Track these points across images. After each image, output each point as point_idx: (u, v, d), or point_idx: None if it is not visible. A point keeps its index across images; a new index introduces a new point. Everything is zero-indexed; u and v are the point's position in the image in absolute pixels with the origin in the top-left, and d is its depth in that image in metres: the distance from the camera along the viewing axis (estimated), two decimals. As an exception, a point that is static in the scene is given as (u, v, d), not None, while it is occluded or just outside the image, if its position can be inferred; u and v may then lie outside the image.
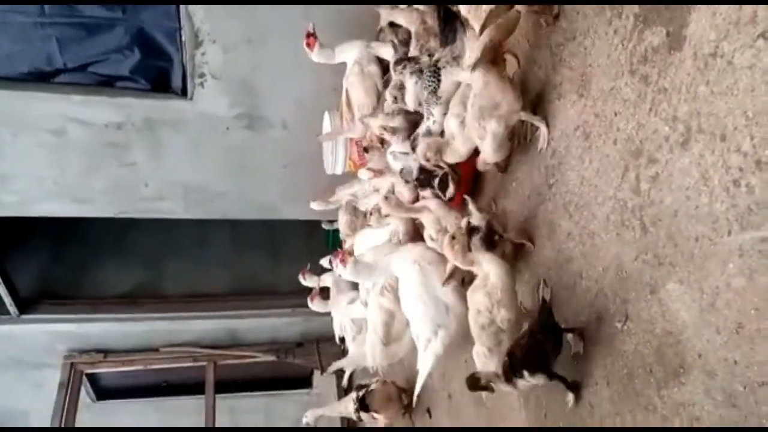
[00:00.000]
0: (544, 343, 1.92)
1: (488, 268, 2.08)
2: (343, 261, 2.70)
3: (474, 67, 2.18)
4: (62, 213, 4.92)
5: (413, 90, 2.67)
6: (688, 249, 1.61)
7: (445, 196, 2.64)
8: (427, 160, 2.60)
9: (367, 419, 4.14)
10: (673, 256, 1.66)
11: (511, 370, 1.90)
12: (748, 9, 1.42)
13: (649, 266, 1.75)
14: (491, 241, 2.39)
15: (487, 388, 1.98)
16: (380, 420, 4.08)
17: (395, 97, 2.92)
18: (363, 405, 4.04)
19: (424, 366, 2.50)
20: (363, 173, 3.46)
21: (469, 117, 2.28)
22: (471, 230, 2.37)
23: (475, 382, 2.01)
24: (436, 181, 2.64)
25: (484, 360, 2.08)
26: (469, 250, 2.20)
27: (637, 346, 1.81)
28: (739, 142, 1.45)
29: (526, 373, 1.88)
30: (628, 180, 1.85)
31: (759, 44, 1.40)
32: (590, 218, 2.04)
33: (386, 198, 2.94)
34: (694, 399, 1.59)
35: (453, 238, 2.14)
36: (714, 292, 1.53)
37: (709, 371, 1.54)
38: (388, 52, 3.25)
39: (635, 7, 1.82)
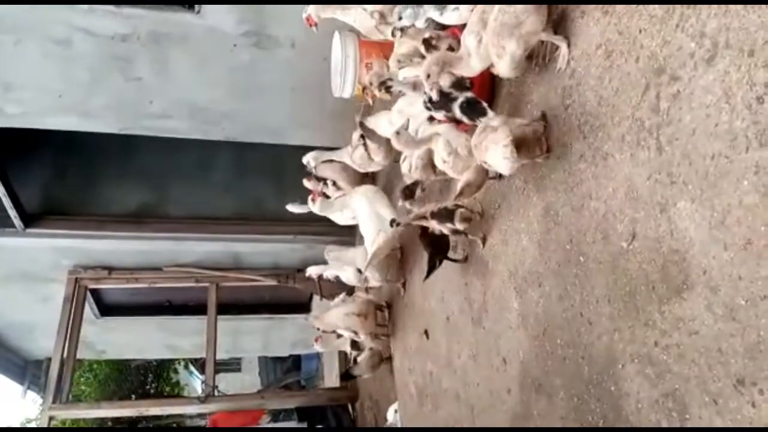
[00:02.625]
0: None
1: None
2: (313, 199, 4.25)
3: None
4: (67, 126, 4.90)
5: None
6: (703, 167, 1.61)
7: (469, 119, 2.54)
8: (428, 76, 2.53)
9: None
10: (686, 175, 1.66)
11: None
12: None
13: (661, 185, 1.76)
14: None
15: None
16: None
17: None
18: None
19: (371, 253, 3.97)
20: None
21: (489, 32, 2.22)
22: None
23: None
24: (456, 104, 2.57)
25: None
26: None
27: (641, 265, 1.84)
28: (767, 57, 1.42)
29: None
30: (648, 99, 1.82)
31: (800, -48, 1.35)
32: (605, 139, 2.02)
33: (398, 134, 2.91)
34: (695, 314, 1.63)
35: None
36: (725, 209, 1.54)
37: (713, 287, 1.57)
38: None
39: None
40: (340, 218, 4.44)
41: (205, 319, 6.54)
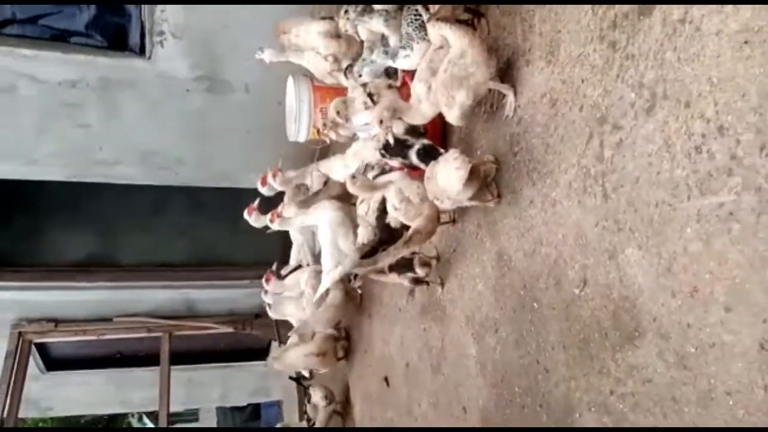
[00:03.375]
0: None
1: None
2: (272, 219, 3.85)
3: (447, 23, 2.14)
4: (12, 175, 4.71)
5: (381, 28, 2.59)
6: (648, 215, 1.63)
7: (426, 164, 2.55)
8: (380, 121, 2.54)
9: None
10: (633, 222, 1.68)
11: None
12: (717, -26, 1.42)
13: (609, 232, 1.77)
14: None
15: None
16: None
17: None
18: None
19: (324, 283, 3.56)
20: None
21: (439, 83, 2.24)
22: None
23: None
24: (413, 151, 2.58)
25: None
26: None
27: (593, 311, 1.84)
28: (703, 109, 1.46)
29: None
30: (592, 147, 1.85)
31: (727, 9, 1.40)
32: (553, 185, 2.04)
33: (353, 177, 2.90)
34: (648, 362, 1.63)
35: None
36: (671, 256, 1.55)
37: (663, 334, 1.57)
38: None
39: (607, -27, 1.81)
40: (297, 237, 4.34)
41: (158, 370, 6.26)
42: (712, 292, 1.43)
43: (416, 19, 2.48)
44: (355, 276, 3.20)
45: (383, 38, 2.74)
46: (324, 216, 3.69)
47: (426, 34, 2.41)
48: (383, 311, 3.80)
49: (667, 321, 1.56)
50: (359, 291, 4.33)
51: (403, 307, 3.30)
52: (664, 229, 1.57)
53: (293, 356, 4.46)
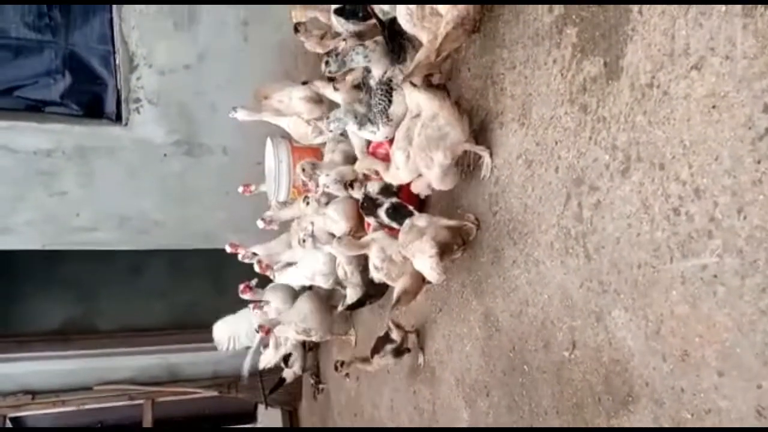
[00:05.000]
0: None
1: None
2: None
3: (417, 88, 2.17)
4: (-16, 245, 4.60)
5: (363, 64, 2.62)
6: (631, 276, 1.61)
7: (396, 223, 2.57)
8: (360, 178, 2.56)
9: None
10: (617, 284, 1.66)
11: None
12: (681, 41, 1.45)
13: (594, 294, 1.75)
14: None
15: None
16: None
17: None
18: None
19: None
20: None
21: (415, 146, 2.25)
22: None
23: None
24: (382, 210, 2.58)
25: None
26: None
27: (585, 375, 1.80)
28: (678, 171, 1.47)
29: None
30: (571, 207, 1.85)
31: (693, 75, 1.43)
32: (534, 245, 2.03)
33: (339, 239, 2.88)
34: (643, 428, 1.58)
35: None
36: (658, 319, 1.53)
37: (657, 400, 1.53)
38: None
39: (573, 37, 1.84)
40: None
41: (141, 439, 6.02)
42: (703, 356, 1.41)
43: (382, 101, 2.52)
44: (342, 363, 3.17)
45: (361, 101, 2.77)
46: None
47: (390, 121, 2.48)
48: (371, 372, 3.71)
49: (660, 386, 1.53)
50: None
51: (391, 368, 3.22)
52: (649, 291, 1.56)
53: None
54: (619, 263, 1.66)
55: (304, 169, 3.19)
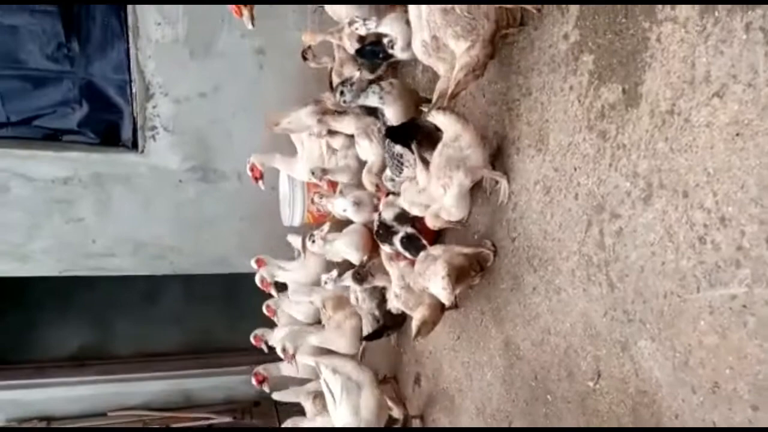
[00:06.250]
0: None
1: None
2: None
3: (443, 113, 2.18)
4: (3, 273, 4.64)
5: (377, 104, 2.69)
6: (657, 306, 1.59)
7: (410, 253, 2.57)
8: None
9: None
10: (642, 313, 1.64)
11: None
12: (701, 68, 1.44)
13: (619, 323, 1.72)
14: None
15: None
16: None
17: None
18: None
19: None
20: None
21: (434, 166, 2.25)
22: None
23: None
24: (397, 238, 2.58)
25: None
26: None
27: (611, 406, 1.76)
28: (702, 199, 1.45)
29: None
30: (592, 235, 1.83)
31: (714, 103, 1.41)
32: (555, 273, 2.01)
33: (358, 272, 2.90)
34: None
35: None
36: (687, 350, 1.50)
37: (687, 433, 1.50)
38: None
39: (590, 64, 1.84)
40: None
41: (156, 466, 5.97)
42: (735, 389, 1.37)
43: (395, 172, 2.63)
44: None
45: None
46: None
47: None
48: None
49: (690, 418, 1.49)
50: None
51: (408, 395, 3.19)
52: (676, 321, 1.53)
53: None
54: (644, 292, 1.63)
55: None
